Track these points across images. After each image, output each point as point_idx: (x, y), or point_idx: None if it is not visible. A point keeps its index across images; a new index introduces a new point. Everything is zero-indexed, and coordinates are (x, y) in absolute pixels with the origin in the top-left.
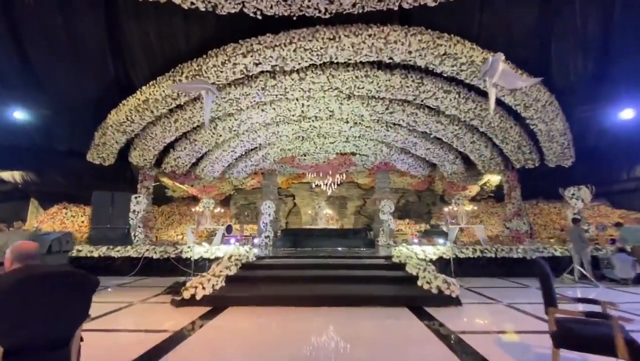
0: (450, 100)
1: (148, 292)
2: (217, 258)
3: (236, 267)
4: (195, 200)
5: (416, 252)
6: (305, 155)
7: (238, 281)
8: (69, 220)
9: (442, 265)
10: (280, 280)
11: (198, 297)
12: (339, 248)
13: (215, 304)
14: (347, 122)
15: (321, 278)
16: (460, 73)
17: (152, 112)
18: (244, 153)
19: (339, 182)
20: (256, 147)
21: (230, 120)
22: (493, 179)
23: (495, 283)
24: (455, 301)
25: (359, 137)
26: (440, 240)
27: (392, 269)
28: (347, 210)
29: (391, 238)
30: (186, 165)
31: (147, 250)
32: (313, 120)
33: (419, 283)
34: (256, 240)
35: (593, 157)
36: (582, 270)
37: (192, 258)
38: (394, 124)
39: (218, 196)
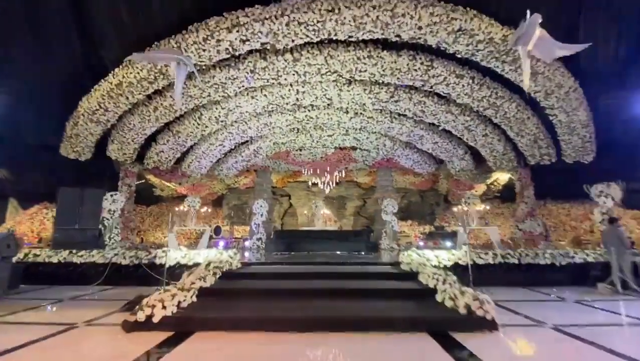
0: (463, 86)
1: (103, 308)
2: (197, 265)
3: (214, 277)
4: (178, 198)
5: (428, 258)
6: (300, 150)
7: (214, 296)
8: (50, 221)
9: (457, 272)
10: (267, 294)
11: (156, 319)
12: (338, 252)
13: (179, 328)
14: (347, 112)
15: (317, 293)
16: (476, 53)
17: (127, 98)
18: (233, 147)
19: (337, 181)
20: (247, 141)
21: (216, 108)
22: (501, 178)
23: (523, 294)
24: (490, 325)
25: (359, 129)
26: (448, 243)
27: (401, 279)
28: (346, 210)
29: (394, 241)
30: (170, 160)
31: (115, 255)
32: (309, 110)
33: (439, 298)
34: (247, 243)
35: (613, 151)
36: (624, 277)
37: (166, 265)
38: (399, 115)
39: (209, 196)
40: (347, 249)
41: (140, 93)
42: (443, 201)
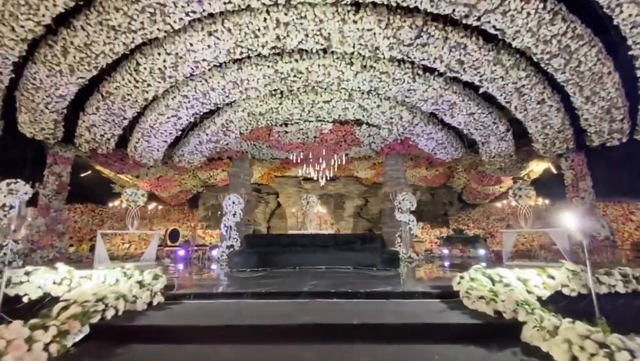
0: (528, 14)
1: None
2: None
3: (61, 342)
4: (154, 197)
5: (507, 282)
6: (286, 126)
7: None
8: None
9: (560, 306)
10: None
11: None
12: (341, 268)
13: None
14: (351, 63)
15: None
16: None
17: (13, 29)
18: (193, 120)
19: (334, 175)
20: (211, 111)
21: (158, 54)
22: (537, 168)
23: None
24: None
25: (368, 92)
26: (481, 251)
27: (481, 335)
28: (344, 211)
29: (411, 248)
30: (109, 139)
31: None
32: (296, 59)
33: None
34: (215, 252)
35: None
36: None
37: (26, 297)
38: (426, 69)
39: (182, 194)
40: (352, 262)
41: (30, 20)
42: (457, 200)
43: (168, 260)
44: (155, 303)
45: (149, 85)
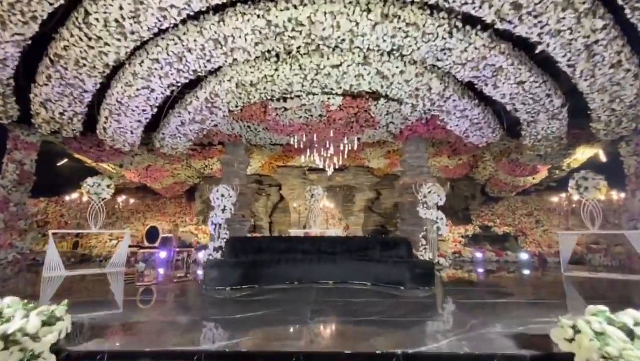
0: None
1: None
2: None
3: None
4: (145, 189)
5: None
6: (285, 101)
7: None
8: None
9: None
10: None
11: None
12: (355, 284)
13: None
14: (369, 9)
15: None
16: None
17: None
18: (170, 94)
19: (343, 163)
20: (192, 81)
21: None
22: (581, 157)
23: None
24: None
25: (390, 52)
26: (523, 255)
27: None
28: (353, 204)
29: (438, 252)
30: (71, 118)
31: None
32: (295, 4)
33: None
34: (201, 254)
35: None
36: None
37: None
38: (466, 20)
39: (178, 186)
40: (370, 276)
41: None
42: (480, 193)
43: (142, 265)
44: None
45: (106, 44)
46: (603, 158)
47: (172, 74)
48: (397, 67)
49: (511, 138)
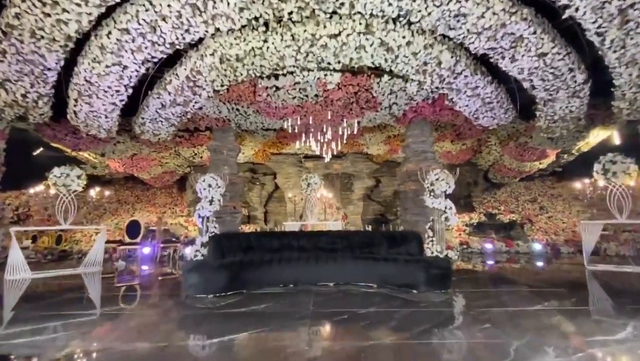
0: None
1: None
2: None
3: None
4: (135, 179)
5: None
6: (276, 79)
7: None
8: None
9: None
10: None
11: None
12: (360, 285)
13: None
14: None
15: None
16: None
17: None
18: (146, 70)
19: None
20: (170, 55)
21: None
22: (593, 140)
23: None
24: None
25: (395, 19)
26: (536, 245)
27: None
28: (352, 193)
29: (445, 243)
30: (35, 100)
31: None
32: None
33: None
34: (188, 250)
35: None
36: None
37: None
38: None
39: (168, 176)
40: (377, 277)
41: None
42: (483, 179)
43: (122, 264)
44: None
45: (64, 10)
46: (617, 140)
47: (145, 48)
48: (403, 37)
49: (521, 120)
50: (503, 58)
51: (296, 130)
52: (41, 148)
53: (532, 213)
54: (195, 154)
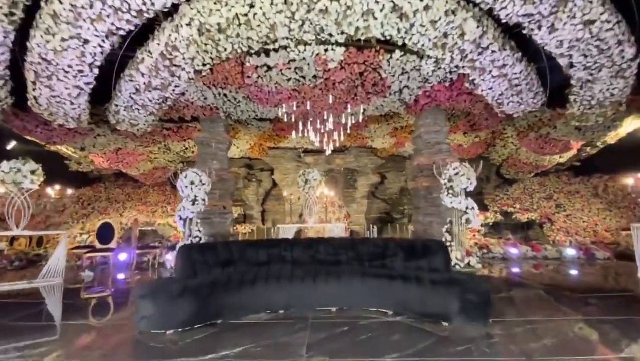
0: None
1: None
2: None
3: None
4: (126, 176)
5: None
6: (267, 55)
7: None
8: None
9: None
10: None
11: None
12: (370, 311)
13: None
14: None
15: None
16: None
17: None
18: (111, 46)
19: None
20: (138, 27)
21: None
22: (623, 131)
23: None
24: None
25: None
26: (570, 250)
27: None
28: (355, 190)
29: (464, 248)
30: None
31: None
32: None
33: None
34: (169, 256)
35: None
36: None
37: None
38: None
39: (159, 172)
40: (392, 300)
41: None
42: (495, 175)
43: (89, 274)
44: None
45: None
46: None
47: (107, 16)
48: (421, 0)
49: (547, 108)
50: (539, 28)
51: (293, 120)
52: (14, 142)
53: (549, 212)
54: (186, 148)
